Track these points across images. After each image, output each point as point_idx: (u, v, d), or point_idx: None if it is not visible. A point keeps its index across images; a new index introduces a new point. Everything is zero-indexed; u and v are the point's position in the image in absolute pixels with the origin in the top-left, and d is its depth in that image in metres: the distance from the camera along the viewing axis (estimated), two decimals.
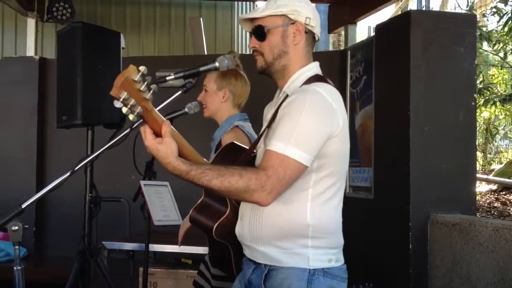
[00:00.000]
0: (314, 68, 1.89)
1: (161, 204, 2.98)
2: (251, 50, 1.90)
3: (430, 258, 3.45)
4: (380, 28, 4.02)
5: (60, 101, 3.20)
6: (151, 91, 1.56)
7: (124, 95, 1.50)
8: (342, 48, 6.98)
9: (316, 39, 1.92)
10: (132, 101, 1.52)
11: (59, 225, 5.18)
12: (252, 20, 1.89)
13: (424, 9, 7.75)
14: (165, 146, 1.63)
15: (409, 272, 3.45)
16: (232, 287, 1.97)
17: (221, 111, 2.76)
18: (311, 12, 1.86)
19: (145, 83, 1.54)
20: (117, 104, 1.52)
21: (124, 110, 1.53)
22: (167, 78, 1.79)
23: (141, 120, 1.73)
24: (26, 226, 1.66)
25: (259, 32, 1.85)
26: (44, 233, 5.24)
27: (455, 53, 3.60)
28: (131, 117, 1.55)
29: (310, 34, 1.88)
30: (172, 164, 1.63)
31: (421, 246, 3.45)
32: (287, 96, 1.82)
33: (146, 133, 1.65)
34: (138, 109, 1.54)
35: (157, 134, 1.66)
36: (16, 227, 1.65)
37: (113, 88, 1.51)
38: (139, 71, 1.53)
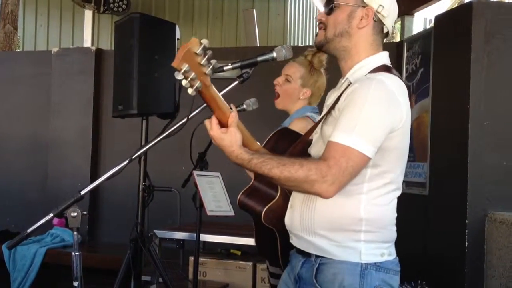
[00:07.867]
0: (383, 58, 1.83)
1: (213, 195, 3.00)
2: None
3: (487, 257, 3.33)
4: (439, 19, 3.89)
5: (117, 91, 3.24)
6: (211, 66, 1.53)
7: (185, 67, 1.48)
8: (395, 40, 6.83)
9: (385, 30, 1.83)
10: (192, 74, 1.50)
11: (111, 212, 5.29)
12: None
13: None
14: (229, 135, 1.67)
15: (464, 270, 3.35)
16: (281, 280, 1.94)
17: (295, 106, 2.71)
18: (387, 2, 1.79)
19: (206, 56, 1.51)
20: (178, 76, 1.50)
21: (184, 82, 1.51)
22: (225, 68, 1.78)
23: (195, 112, 1.73)
24: (85, 213, 1.68)
25: (328, 5, 1.82)
26: (97, 220, 5.36)
27: None
28: (189, 91, 1.53)
29: (378, 23, 1.81)
30: (235, 152, 1.66)
31: (477, 245, 3.34)
32: (350, 84, 1.77)
33: (212, 123, 1.68)
34: (197, 83, 1.52)
35: (215, 113, 1.65)
36: (75, 213, 1.67)
37: (175, 59, 1.49)
38: (201, 43, 1.50)
